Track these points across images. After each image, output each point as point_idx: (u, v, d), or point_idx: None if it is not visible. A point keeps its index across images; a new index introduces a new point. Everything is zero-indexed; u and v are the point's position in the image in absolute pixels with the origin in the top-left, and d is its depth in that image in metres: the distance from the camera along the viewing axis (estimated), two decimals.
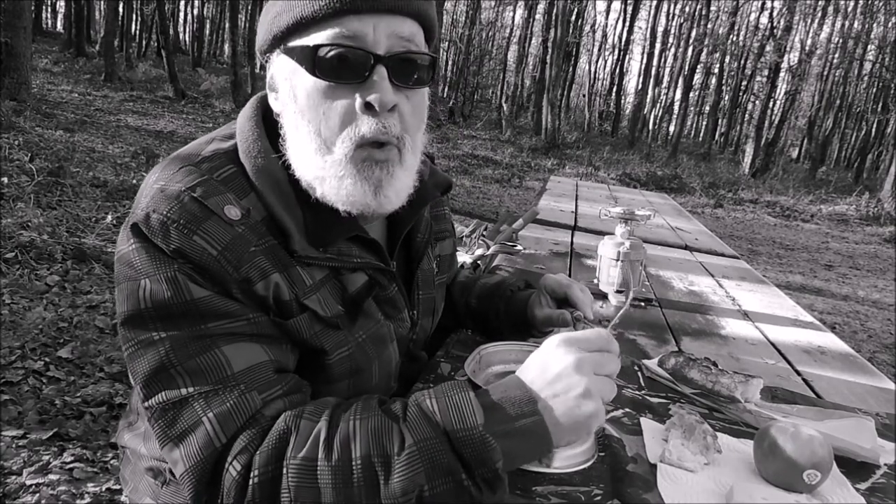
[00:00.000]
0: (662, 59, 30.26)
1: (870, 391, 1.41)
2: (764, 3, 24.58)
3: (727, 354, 1.54)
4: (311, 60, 0.74)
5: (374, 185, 0.76)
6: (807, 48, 23.23)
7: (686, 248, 2.93)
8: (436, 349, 1.13)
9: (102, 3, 20.59)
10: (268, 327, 0.74)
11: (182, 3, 31.40)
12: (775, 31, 21.12)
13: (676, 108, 26.62)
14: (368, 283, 0.84)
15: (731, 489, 0.78)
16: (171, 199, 0.71)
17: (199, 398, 0.67)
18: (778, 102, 25.51)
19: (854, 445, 0.90)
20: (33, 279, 3.31)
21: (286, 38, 0.77)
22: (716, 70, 27.03)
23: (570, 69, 28.15)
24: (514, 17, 32.70)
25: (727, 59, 26.12)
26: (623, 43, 29.46)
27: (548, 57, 18.69)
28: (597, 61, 34.59)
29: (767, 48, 22.23)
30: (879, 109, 24.63)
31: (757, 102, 23.88)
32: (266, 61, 0.82)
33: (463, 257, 2.20)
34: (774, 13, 21.92)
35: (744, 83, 26.20)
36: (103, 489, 1.90)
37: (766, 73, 22.76)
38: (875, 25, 23.56)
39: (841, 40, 24.78)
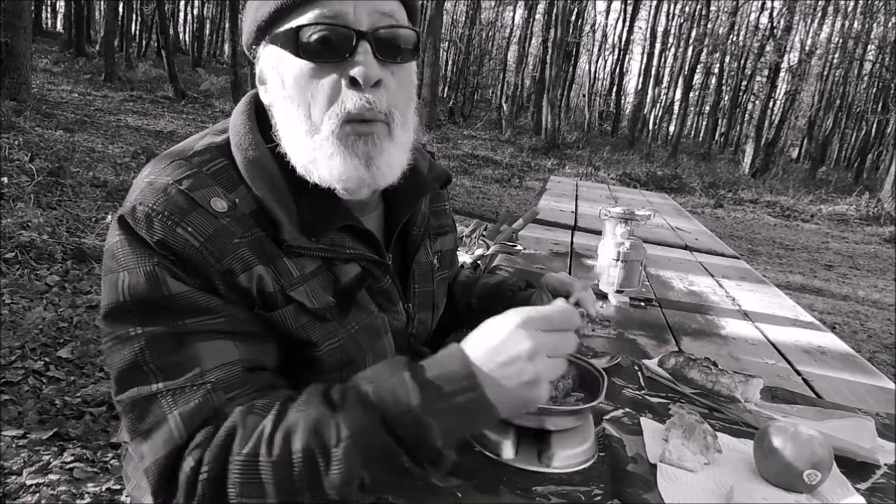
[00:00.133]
0: (662, 59, 30.26)
1: (870, 391, 1.41)
2: (764, 3, 24.58)
3: (727, 354, 1.54)
4: (295, 43, 0.75)
5: (364, 158, 0.76)
6: (807, 48, 23.24)
7: (686, 248, 2.93)
8: (437, 349, 1.13)
9: (102, 3, 20.59)
10: (247, 324, 0.74)
11: (182, 3, 31.41)
12: (775, 31, 21.13)
13: (676, 108, 26.63)
14: (361, 275, 0.84)
15: (731, 489, 0.78)
16: (158, 192, 0.72)
17: (167, 395, 0.68)
18: (778, 102, 25.52)
19: (854, 445, 0.90)
20: (33, 279, 3.31)
21: (269, 28, 0.78)
22: (716, 70, 27.04)
23: (570, 69, 28.15)
24: (514, 17, 32.73)
25: (727, 59, 26.12)
26: (623, 43, 29.46)
27: (548, 57, 18.70)
28: (597, 61, 34.60)
29: (767, 48, 22.23)
30: (879, 109, 24.62)
31: (757, 102, 23.88)
32: (254, 56, 0.83)
33: (463, 257, 2.20)
34: (774, 13, 21.94)
35: (744, 83, 26.20)
36: (103, 489, 1.90)
37: (766, 73, 22.77)
38: (875, 25, 23.56)
39: (841, 40, 24.77)
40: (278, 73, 0.78)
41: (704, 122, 36.30)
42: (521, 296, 1.13)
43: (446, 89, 26.91)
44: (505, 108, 24.17)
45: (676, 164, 17.94)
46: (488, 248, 2.29)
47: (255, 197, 0.77)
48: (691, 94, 27.63)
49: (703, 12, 24.64)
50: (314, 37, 0.74)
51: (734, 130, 31.66)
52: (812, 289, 6.38)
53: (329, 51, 0.74)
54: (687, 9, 27.04)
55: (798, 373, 1.49)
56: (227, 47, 28.25)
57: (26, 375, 2.46)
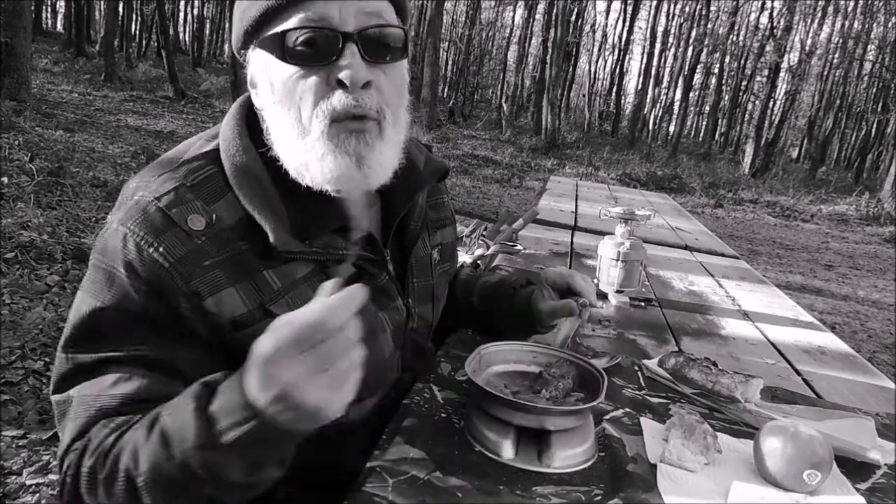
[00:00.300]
0: (662, 59, 30.26)
1: (870, 391, 1.42)
2: (764, 3, 24.58)
3: (727, 354, 1.54)
4: (281, 48, 0.74)
5: (355, 157, 0.76)
6: (807, 48, 23.24)
7: (686, 248, 2.93)
8: (437, 349, 1.13)
9: (102, 3, 20.59)
10: (170, 362, 0.74)
11: (182, 3, 31.40)
12: (775, 31, 21.13)
13: (676, 108, 26.63)
14: (356, 275, 0.84)
15: (731, 489, 0.78)
16: (139, 211, 0.74)
17: (70, 412, 0.73)
18: (778, 102, 25.52)
19: (854, 445, 0.90)
20: (33, 279, 3.31)
21: (257, 32, 0.78)
22: (716, 70, 27.03)
23: (570, 69, 28.14)
24: (514, 17, 32.72)
25: (727, 59, 26.12)
26: (623, 43, 29.46)
27: (548, 57, 18.69)
28: (597, 61, 34.59)
29: (767, 48, 22.23)
30: (879, 109, 24.62)
31: (757, 102, 23.88)
32: (244, 60, 0.82)
33: (463, 257, 2.20)
34: (774, 13, 21.94)
35: (744, 83, 26.20)
36: None
37: (766, 73, 22.77)
38: (875, 25, 23.55)
39: (841, 40, 24.77)
40: (267, 76, 0.78)
41: (704, 122, 36.30)
42: (522, 293, 1.13)
43: (446, 89, 26.91)
44: (505, 108, 24.17)
45: (676, 164, 17.94)
46: (488, 248, 2.29)
47: (242, 205, 0.77)
48: (691, 94, 27.63)
49: (703, 12, 24.64)
50: (300, 41, 0.73)
51: (734, 130, 31.66)
52: (812, 289, 6.38)
53: (315, 55, 0.74)
54: (687, 9, 27.04)
55: (798, 373, 1.49)
56: (227, 47, 28.25)
57: (26, 375, 2.46)
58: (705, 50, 25.05)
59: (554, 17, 18.18)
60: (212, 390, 0.63)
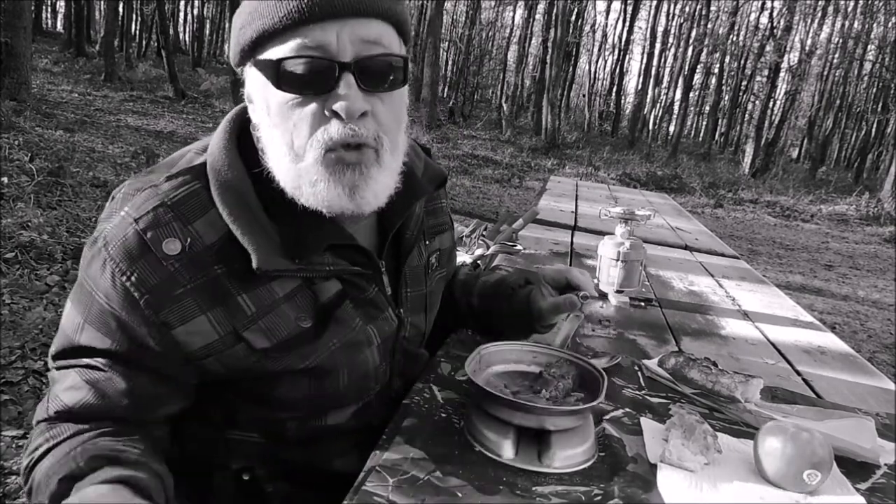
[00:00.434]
0: (662, 59, 30.26)
1: (870, 391, 1.42)
2: (764, 3, 24.58)
3: (727, 354, 1.54)
4: (276, 75, 0.73)
5: (349, 187, 0.75)
6: (807, 48, 23.24)
7: (686, 248, 2.93)
8: (437, 349, 1.13)
9: (102, 3, 20.57)
10: (128, 385, 0.76)
11: (182, 3, 31.40)
12: (775, 31, 21.13)
13: (676, 108, 26.63)
14: (341, 291, 0.83)
15: (731, 489, 0.78)
16: (120, 233, 0.74)
17: (50, 412, 0.79)
18: (778, 102, 25.52)
19: (854, 445, 0.90)
20: (33, 279, 3.31)
21: (253, 52, 0.76)
22: (716, 70, 27.03)
23: (570, 69, 28.15)
24: (514, 17, 32.73)
25: (727, 59, 26.12)
26: (623, 43, 29.46)
27: (548, 57, 18.70)
28: (597, 61, 34.60)
29: (767, 48, 22.23)
30: (879, 109, 24.62)
31: (757, 102, 23.88)
32: (242, 74, 0.81)
33: (463, 257, 2.20)
34: (774, 13, 21.94)
35: (744, 83, 26.20)
36: None
37: (766, 73, 22.77)
38: (875, 25, 23.56)
39: (841, 40, 24.77)
40: (263, 97, 0.77)
41: (704, 122, 36.31)
42: (521, 293, 1.13)
43: (446, 89, 26.92)
44: (505, 108, 24.17)
45: (676, 164, 17.94)
46: (488, 247, 2.29)
47: (225, 222, 0.76)
48: (691, 94, 27.63)
49: (703, 12, 24.65)
50: (296, 70, 0.72)
51: (734, 130, 31.67)
52: (812, 289, 6.38)
53: (311, 84, 0.73)
54: (687, 9, 27.04)
55: (798, 373, 1.49)
56: (227, 47, 28.18)
57: (26, 375, 2.46)
58: (705, 50, 25.06)
59: (554, 17, 18.18)
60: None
